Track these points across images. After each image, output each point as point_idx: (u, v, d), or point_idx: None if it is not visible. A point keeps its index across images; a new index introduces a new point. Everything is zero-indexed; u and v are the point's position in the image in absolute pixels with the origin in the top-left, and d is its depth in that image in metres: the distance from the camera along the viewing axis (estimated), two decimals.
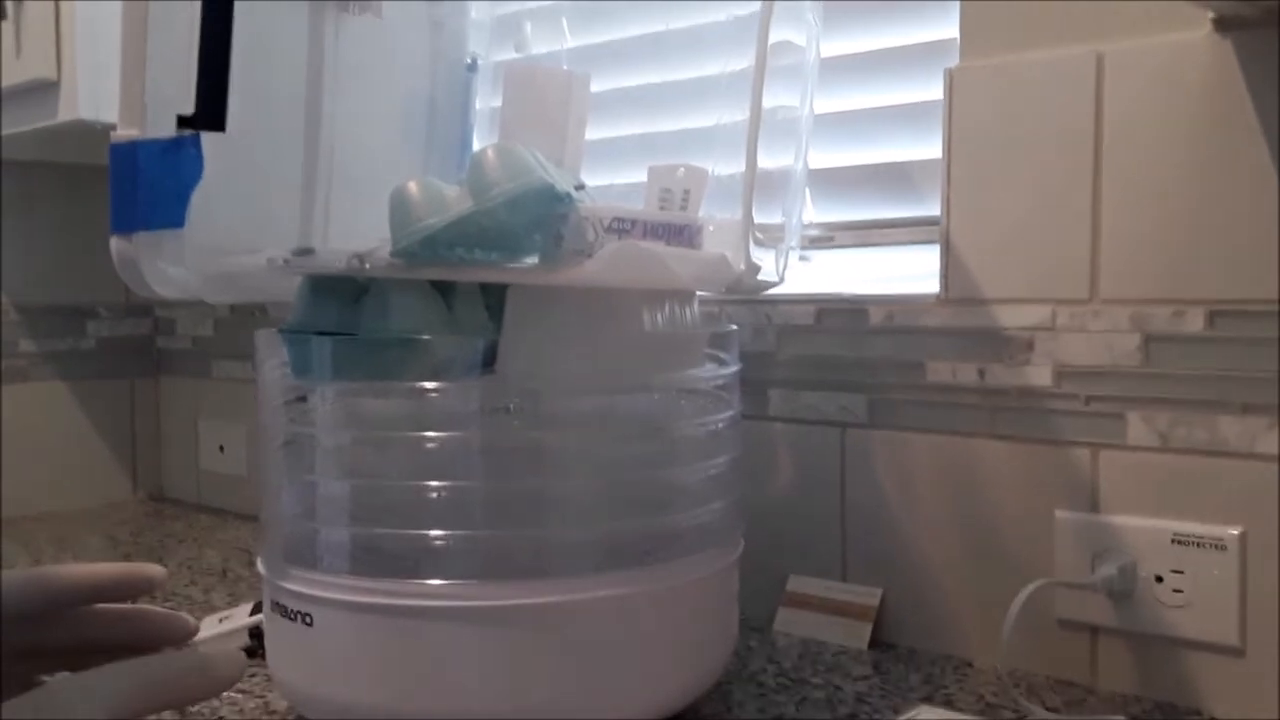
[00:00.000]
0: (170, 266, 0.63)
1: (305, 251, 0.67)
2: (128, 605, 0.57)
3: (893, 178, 0.95)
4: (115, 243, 0.63)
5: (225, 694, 0.84)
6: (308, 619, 0.70)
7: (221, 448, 1.55)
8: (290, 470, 0.74)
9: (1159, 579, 0.78)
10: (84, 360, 1.58)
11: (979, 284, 0.86)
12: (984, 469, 0.87)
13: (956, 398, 0.88)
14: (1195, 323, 0.77)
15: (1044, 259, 0.83)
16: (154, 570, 0.56)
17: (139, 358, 1.64)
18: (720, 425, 0.78)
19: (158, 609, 0.56)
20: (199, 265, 0.64)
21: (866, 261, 0.98)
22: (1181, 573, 0.77)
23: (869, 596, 0.94)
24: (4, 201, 1.49)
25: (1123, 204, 0.80)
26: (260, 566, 0.76)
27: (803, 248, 0.96)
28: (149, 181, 0.63)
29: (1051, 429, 0.83)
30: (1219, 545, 0.76)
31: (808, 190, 0.94)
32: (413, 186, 0.66)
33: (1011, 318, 0.85)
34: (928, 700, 0.80)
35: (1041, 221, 0.83)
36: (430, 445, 0.69)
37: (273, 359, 0.74)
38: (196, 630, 0.58)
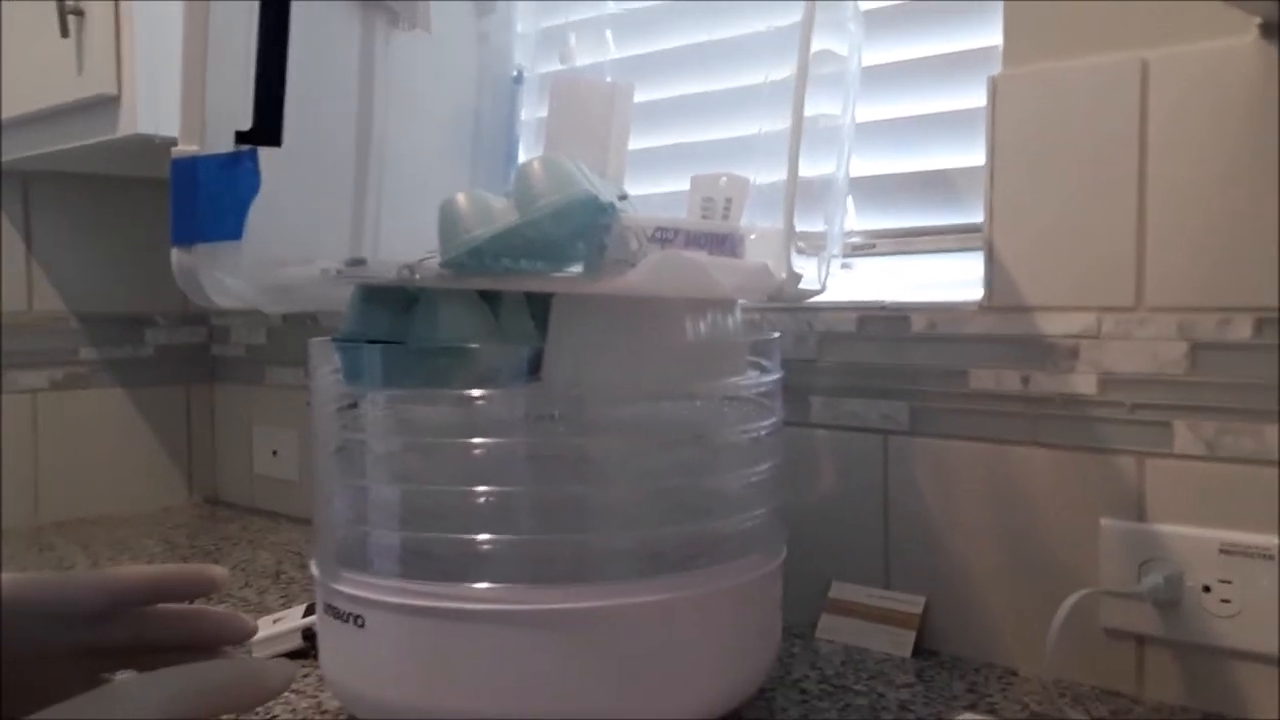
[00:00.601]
0: (227, 277, 0.65)
1: (357, 262, 0.68)
2: (188, 605, 0.58)
3: (935, 185, 0.95)
4: (175, 254, 0.65)
5: (279, 695, 0.86)
6: (359, 621, 0.71)
7: (275, 452, 1.58)
8: (342, 475, 0.76)
9: (1206, 589, 0.78)
10: (142, 367, 1.62)
11: (1022, 291, 0.86)
12: (1028, 477, 0.87)
13: (1000, 405, 0.88)
14: (1242, 330, 0.76)
15: (1088, 266, 0.83)
16: (215, 571, 0.58)
17: (195, 365, 1.68)
18: (762, 432, 0.79)
19: (217, 609, 0.58)
20: (255, 276, 0.66)
21: (909, 269, 0.98)
22: (1229, 582, 0.77)
23: (912, 604, 0.94)
24: (66, 214, 1.53)
25: (1168, 210, 0.79)
26: (313, 569, 0.78)
27: (845, 255, 0.97)
28: (208, 195, 0.65)
29: (1096, 437, 0.83)
30: (1267, 555, 0.75)
31: (849, 198, 0.95)
32: (461, 199, 0.67)
33: (1055, 325, 0.85)
34: (971, 708, 0.80)
35: (1086, 228, 0.83)
36: (477, 451, 0.70)
37: (325, 366, 0.76)
38: (255, 630, 0.60)
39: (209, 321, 1.69)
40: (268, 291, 0.68)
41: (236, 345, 1.65)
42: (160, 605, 0.58)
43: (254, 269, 0.66)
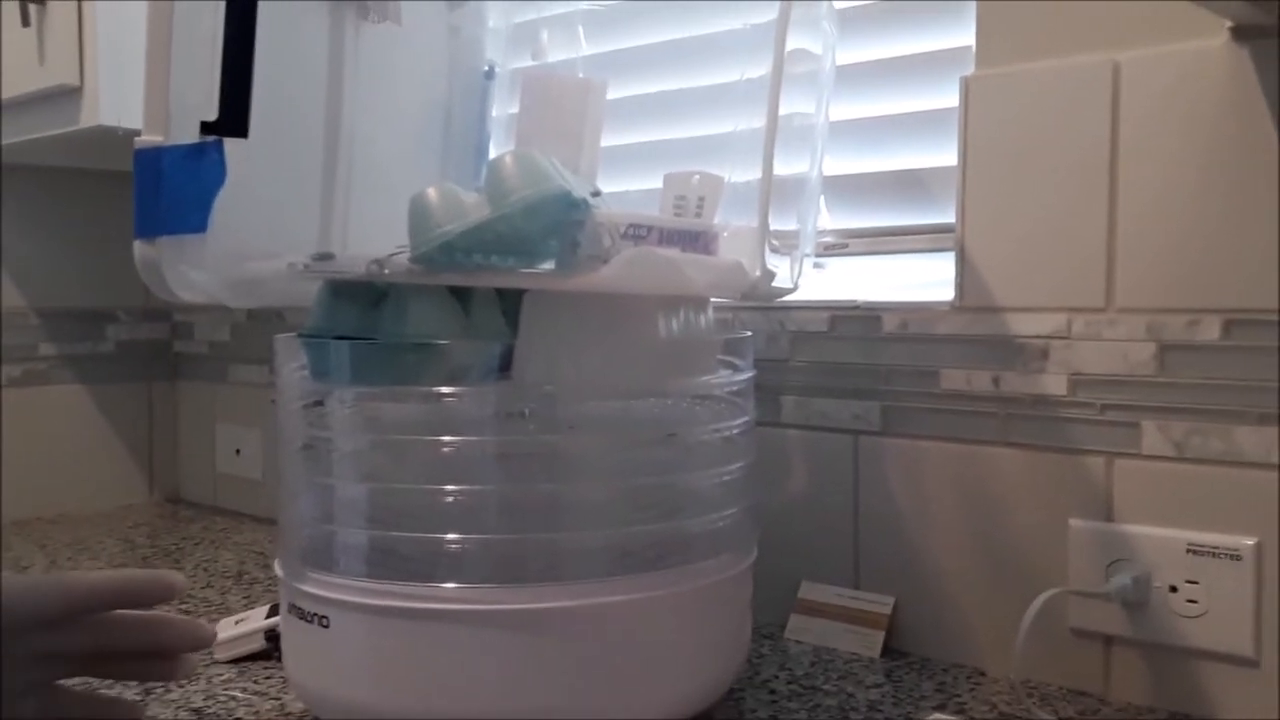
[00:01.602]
0: (192, 271, 0.64)
1: (325, 257, 0.67)
2: (148, 612, 0.57)
3: (908, 185, 0.95)
4: (138, 247, 0.64)
5: (241, 695, 0.85)
6: (324, 621, 0.70)
7: (238, 451, 1.56)
8: (308, 474, 0.75)
9: (1173, 589, 0.78)
10: (103, 364, 1.59)
11: (994, 292, 0.87)
12: (998, 477, 0.87)
13: (970, 405, 0.88)
14: (1211, 331, 0.77)
15: (1059, 267, 0.83)
16: (175, 578, 0.57)
17: (157, 362, 1.65)
18: (734, 431, 0.78)
19: (178, 616, 0.57)
20: (220, 270, 0.65)
21: (881, 269, 0.98)
22: (1196, 583, 0.77)
23: (882, 604, 0.94)
24: (26, 206, 1.50)
25: (1139, 212, 0.80)
26: (278, 569, 0.76)
27: (817, 254, 0.97)
28: (172, 187, 0.64)
29: (1066, 437, 0.83)
30: (1234, 555, 0.76)
31: (822, 197, 0.95)
32: (432, 193, 0.66)
33: (1026, 326, 0.85)
34: (940, 709, 0.79)
35: (1057, 229, 0.83)
36: (446, 449, 0.70)
37: (291, 363, 0.75)
38: (215, 637, 0.59)
39: (172, 318, 1.66)
40: (233, 286, 0.67)
41: (200, 342, 1.63)
42: (120, 611, 0.57)
43: (219, 263, 0.65)
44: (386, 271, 0.65)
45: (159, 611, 0.58)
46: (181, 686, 0.85)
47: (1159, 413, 0.79)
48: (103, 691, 0.61)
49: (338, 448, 0.73)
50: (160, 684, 0.81)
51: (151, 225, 0.63)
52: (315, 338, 0.71)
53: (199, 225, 0.63)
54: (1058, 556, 0.84)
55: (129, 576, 0.56)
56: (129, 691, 0.80)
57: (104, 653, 0.57)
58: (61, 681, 0.58)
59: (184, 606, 1.08)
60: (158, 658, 0.59)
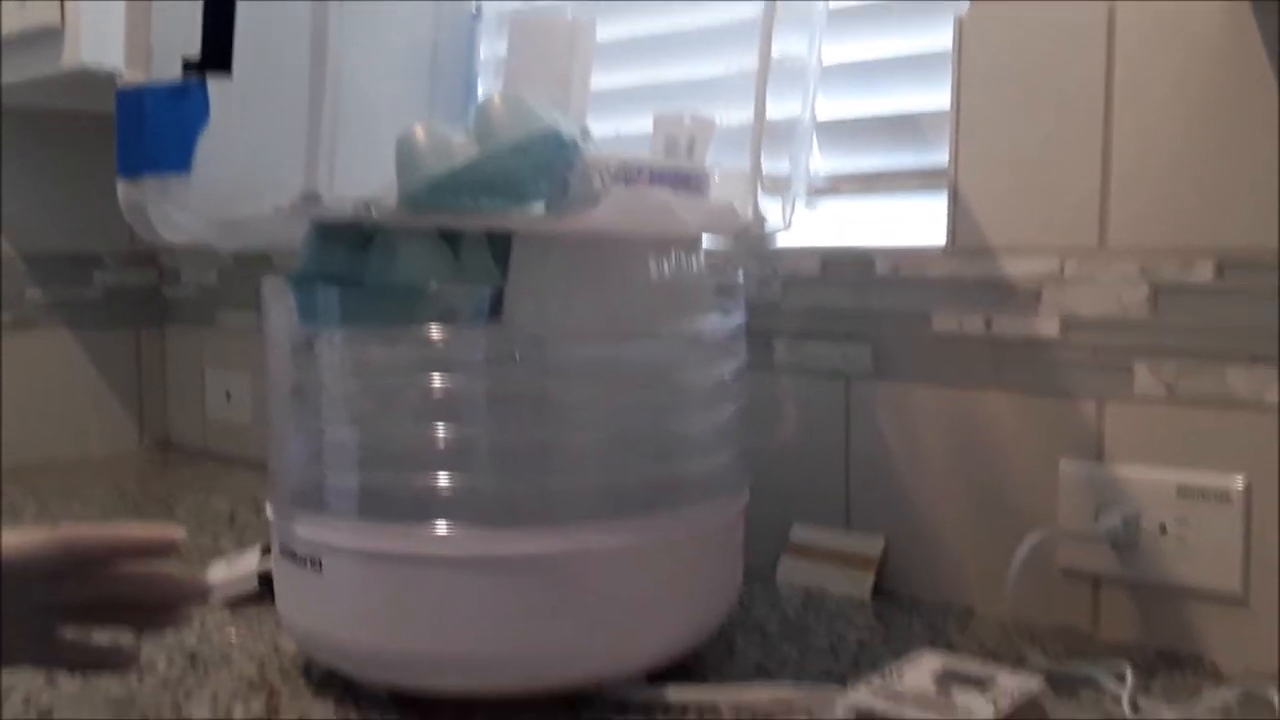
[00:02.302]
0: (177, 211, 0.63)
1: (311, 198, 0.66)
2: (147, 565, 0.57)
3: (900, 127, 0.94)
4: (122, 187, 0.63)
5: (235, 638, 0.85)
6: (317, 564, 0.70)
7: (228, 396, 1.55)
8: (298, 417, 0.74)
9: (1163, 529, 0.79)
10: (90, 309, 1.58)
11: (986, 234, 0.86)
12: (989, 420, 0.87)
13: (962, 348, 0.88)
14: (1204, 273, 0.76)
15: (1053, 208, 0.82)
16: (174, 532, 0.57)
17: (145, 307, 1.64)
18: (726, 375, 0.78)
19: (175, 568, 0.57)
20: (205, 211, 0.64)
21: (873, 211, 0.97)
22: (1185, 523, 0.78)
23: (872, 546, 0.94)
24: (9, 150, 1.48)
25: (1133, 153, 0.79)
26: (269, 512, 0.76)
27: (809, 197, 0.96)
28: (155, 126, 0.63)
29: (1058, 380, 0.83)
30: (1223, 496, 0.76)
31: (815, 139, 0.94)
32: (419, 133, 0.65)
33: (1019, 268, 0.84)
34: (930, 647, 0.80)
35: (1051, 171, 0.82)
36: (436, 393, 0.69)
37: (280, 306, 0.74)
38: (210, 592, 0.59)
39: (158, 262, 1.65)
40: (219, 227, 0.66)
41: (187, 286, 1.62)
42: (119, 564, 0.57)
43: (204, 204, 0.64)
44: (374, 213, 0.64)
45: (158, 565, 0.58)
46: (175, 629, 0.85)
47: (1151, 354, 0.79)
48: (99, 640, 0.61)
49: (327, 391, 0.73)
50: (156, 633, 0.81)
51: (134, 164, 0.62)
52: (303, 280, 0.70)
53: (182, 165, 0.62)
54: (1048, 498, 0.84)
55: (129, 531, 0.56)
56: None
57: (101, 603, 0.57)
58: (59, 631, 0.58)
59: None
60: (154, 608, 0.59)
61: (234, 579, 0.93)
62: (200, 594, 0.58)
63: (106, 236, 1.58)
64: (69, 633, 0.59)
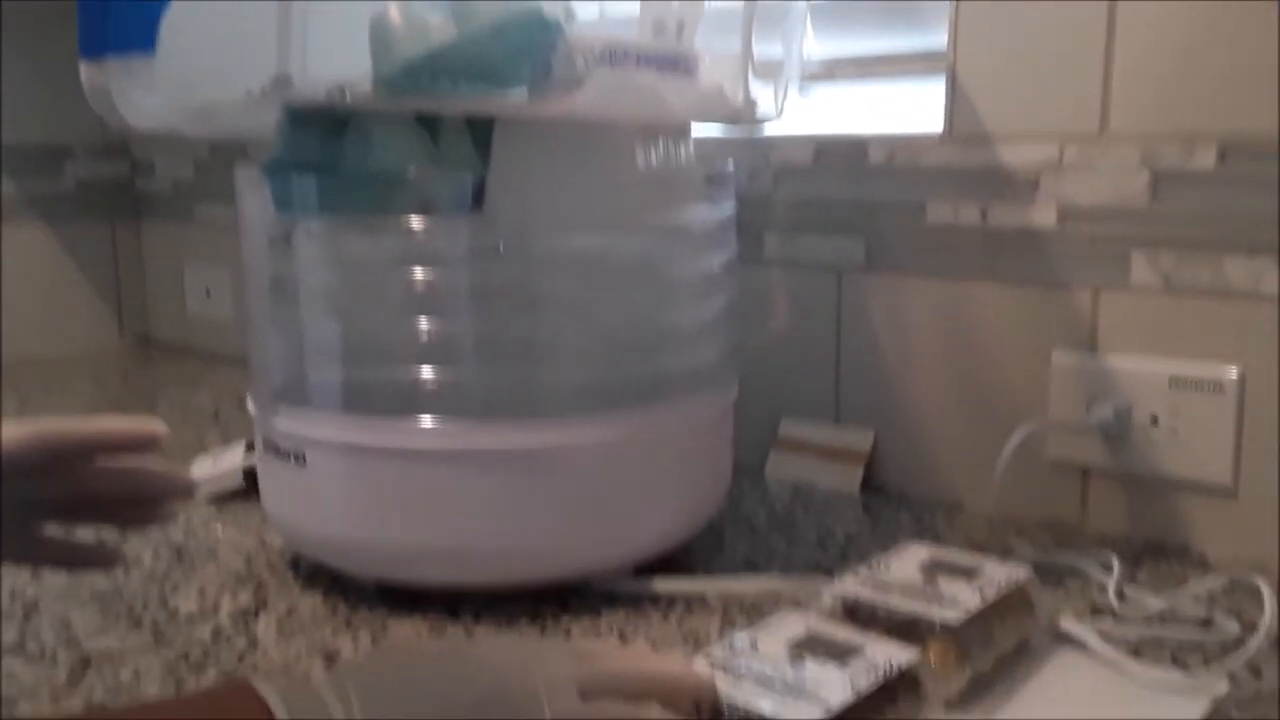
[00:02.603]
0: (143, 95, 0.60)
1: (283, 81, 0.63)
2: (130, 461, 0.56)
3: (898, 9, 0.91)
4: (85, 69, 0.60)
5: (221, 533, 0.85)
6: (300, 458, 0.70)
7: (208, 292, 1.53)
8: (277, 311, 0.73)
9: (1154, 420, 0.78)
10: (63, 203, 1.54)
11: (985, 120, 0.84)
12: (982, 312, 0.86)
13: (957, 239, 0.86)
14: (1206, 160, 0.74)
15: (1053, 93, 0.80)
16: (156, 426, 0.55)
17: (118, 200, 1.60)
18: (715, 267, 0.76)
19: (158, 464, 0.56)
20: (173, 95, 0.62)
21: (868, 97, 0.94)
22: (1177, 414, 0.77)
23: (861, 441, 0.94)
24: None
25: (1137, 37, 0.76)
26: (251, 406, 0.75)
27: (802, 82, 0.93)
28: (118, 5, 0.60)
29: (1053, 271, 0.82)
30: (1216, 386, 0.75)
31: (809, 21, 0.90)
32: (394, 12, 0.62)
33: (1017, 156, 0.82)
34: (918, 539, 0.80)
35: (1052, 53, 0.80)
36: (418, 285, 0.67)
37: (254, 196, 0.72)
38: (195, 488, 0.58)
39: (131, 154, 1.60)
40: (187, 113, 0.64)
41: (162, 180, 1.58)
42: (102, 460, 0.55)
43: (171, 88, 0.61)
44: (348, 97, 0.61)
45: (139, 459, 0.57)
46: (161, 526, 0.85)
47: (1149, 243, 0.77)
48: (83, 537, 0.60)
49: (306, 284, 0.71)
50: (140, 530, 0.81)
51: (97, 45, 0.59)
52: (276, 169, 0.68)
53: (146, 44, 0.59)
54: (1039, 390, 0.84)
55: (109, 425, 0.55)
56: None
57: (84, 499, 0.56)
58: (41, 528, 0.58)
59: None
60: (138, 505, 0.58)
61: (219, 475, 0.93)
62: (184, 490, 0.57)
63: (77, 128, 1.53)
64: (51, 530, 0.58)
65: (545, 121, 0.66)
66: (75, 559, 0.61)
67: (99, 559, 0.61)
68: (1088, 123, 0.79)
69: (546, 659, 0.47)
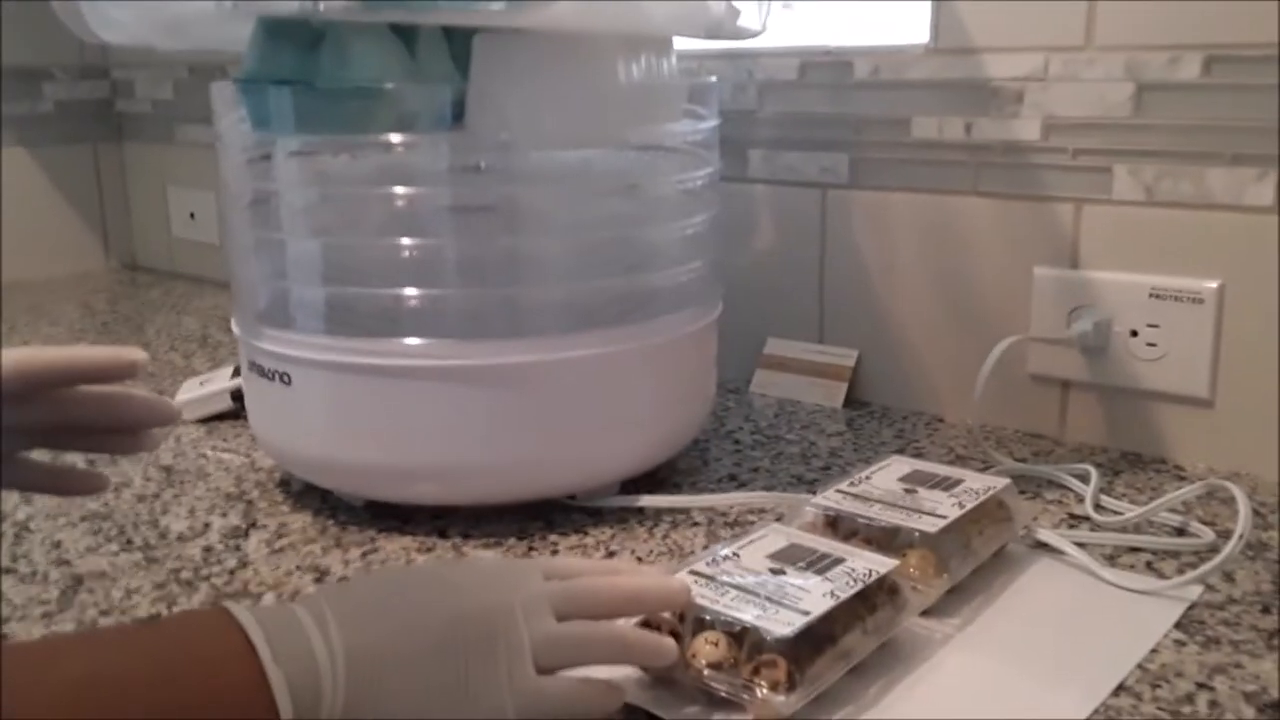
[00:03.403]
0: (113, 8, 0.59)
1: None
2: (110, 388, 0.56)
3: None
4: None
5: (210, 453, 0.85)
6: (285, 378, 0.70)
7: (192, 215, 1.52)
8: (258, 230, 0.72)
9: (1134, 333, 0.79)
10: (43, 125, 1.52)
11: (970, 31, 0.83)
12: (965, 227, 0.86)
13: (941, 154, 0.86)
14: (1191, 69, 0.74)
15: (1039, 4, 0.79)
16: (135, 354, 0.55)
17: (100, 122, 1.58)
18: (698, 183, 0.76)
19: (140, 393, 0.56)
20: (144, 8, 0.60)
21: (853, 9, 0.93)
22: (1157, 327, 0.78)
23: (845, 357, 0.94)
24: None
25: None
26: (235, 328, 0.75)
27: None
28: None
29: (1036, 184, 0.82)
30: (1196, 298, 0.76)
31: None
32: None
33: (1002, 67, 0.81)
34: (899, 453, 0.81)
35: None
36: (399, 203, 0.67)
37: (231, 114, 0.71)
38: (179, 415, 0.58)
39: (111, 75, 1.58)
40: (158, 26, 0.62)
41: (142, 101, 1.56)
42: (81, 387, 0.55)
43: (141, 1, 0.60)
44: (322, 8, 0.60)
45: (120, 387, 0.57)
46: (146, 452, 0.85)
47: (1132, 156, 0.77)
48: (69, 461, 0.60)
49: (286, 202, 0.70)
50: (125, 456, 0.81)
51: None
52: (251, 84, 0.67)
53: None
54: (1021, 305, 0.84)
55: (87, 353, 0.55)
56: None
57: (66, 427, 0.56)
58: (24, 453, 0.58)
59: (149, 369, 1.08)
60: (121, 432, 0.58)
61: (207, 397, 0.93)
62: (167, 416, 0.57)
63: (55, 48, 1.50)
64: (37, 455, 0.58)
65: (525, 34, 0.65)
66: (60, 484, 0.60)
67: (84, 484, 0.61)
68: (1072, 34, 0.78)
69: (521, 578, 0.48)
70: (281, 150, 0.70)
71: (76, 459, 0.75)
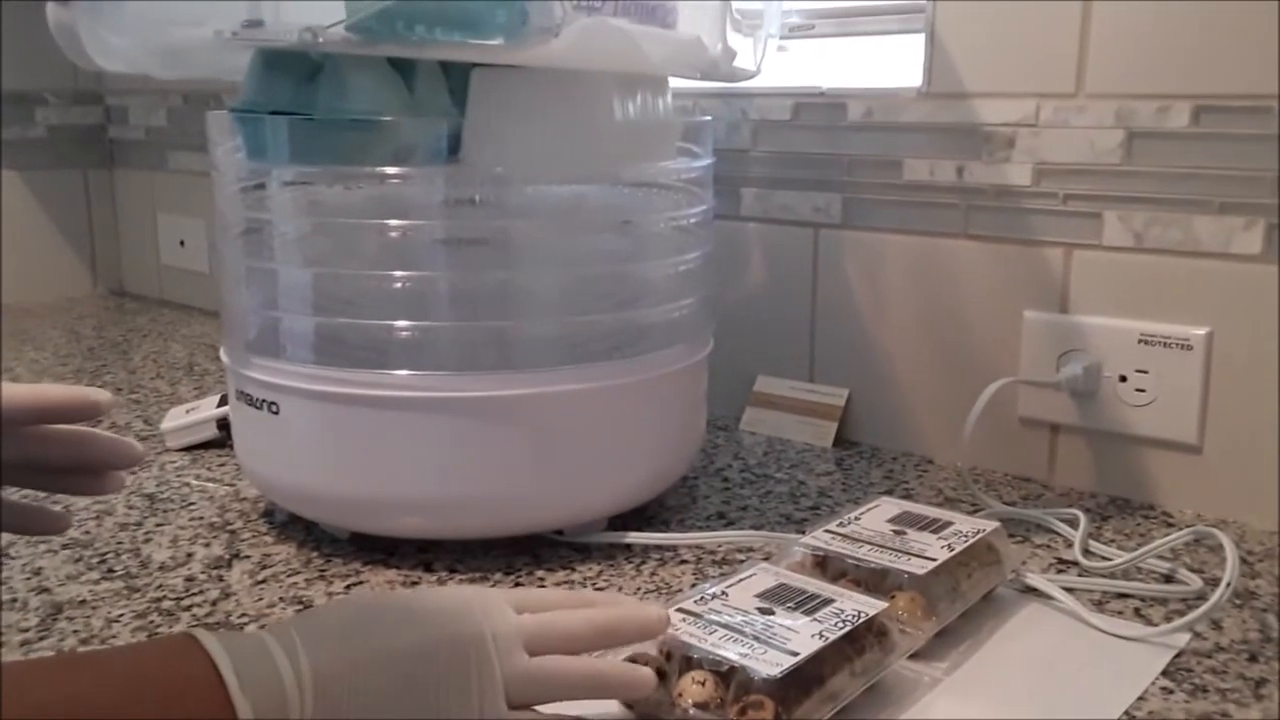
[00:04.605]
0: (111, 36, 0.59)
1: (254, 23, 0.62)
2: (76, 428, 0.55)
3: None
4: (52, 9, 0.59)
5: (195, 482, 0.84)
6: (273, 407, 0.69)
7: (182, 243, 1.51)
8: (250, 259, 0.72)
9: (1123, 378, 0.79)
10: (34, 150, 1.52)
11: (963, 77, 0.83)
12: (956, 270, 0.86)
13: (933, 197, 0.86)
14: (1180, 118, 0.75)
15: (1031, 50, 0.80)
16: (100, 395, 0.54)
17: (91, 148, 1.58)
18: (691, 220, 0.76)
19: (105, 434, 0.55)
20: (142, 36, 0.61)
21: (848, 51, 0.94)
22: (1146, 372, 0.78)
23: (835, 397, 0.95)
24: None
25: None
26: (223, 356, 0.75)
27: (781, 36, 0.92)
28: None
29: (1027, 228, 0.82)
30: (1185, 345, 0.76)
31: None
32: None
33: (994, 113, 0.82)
34: (888, 494, 0.81)
35: (1031, 11, 0.79)
36: (393, 234, 0.67)
37: (226, 142, 0.71)
38: (143, 456, 0.57)
39: (104, 101, 1.58)
40: (156, 54, 0.63)
41: (135, 127, 1.56)
42: (47, 426, 0.54)
43: (140, 28, 0.60)
44: (321, 40, 0.60)
45: (87, 427, 0.56)
46: (134, 474, 0.85)
47: (1121, 202, 0.78)
48: (31, 500, 0.60)
49: (279, 232, 0.70)
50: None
51: None
52: (248, 113, 0.67)
53: None
54: (1010, 348, 0.84)
55: (52, 392, 0.54)
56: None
57: (29, 465, 0.55)
58: None
59: (134, 396, 1.08)
60: (85, 473, 0.57)
61: (192, 425, 0.92)
62: (131, 459, 0.56)
63: (49, 73, 1.51)
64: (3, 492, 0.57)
65: (523, 70, 0.65)
66: (23, 524, 0.59)
67: (49, 523, 0.60)
68: (1064, 81, 0.79)
69: (493, 608, 0.47)
70: (276, 180, 0.70)
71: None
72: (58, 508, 0.60)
